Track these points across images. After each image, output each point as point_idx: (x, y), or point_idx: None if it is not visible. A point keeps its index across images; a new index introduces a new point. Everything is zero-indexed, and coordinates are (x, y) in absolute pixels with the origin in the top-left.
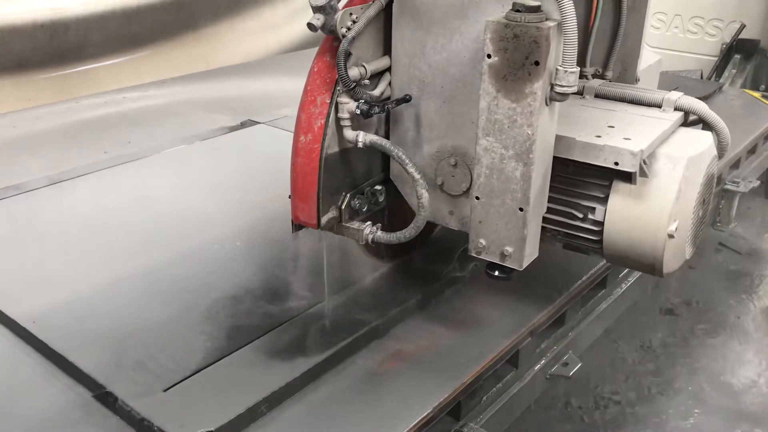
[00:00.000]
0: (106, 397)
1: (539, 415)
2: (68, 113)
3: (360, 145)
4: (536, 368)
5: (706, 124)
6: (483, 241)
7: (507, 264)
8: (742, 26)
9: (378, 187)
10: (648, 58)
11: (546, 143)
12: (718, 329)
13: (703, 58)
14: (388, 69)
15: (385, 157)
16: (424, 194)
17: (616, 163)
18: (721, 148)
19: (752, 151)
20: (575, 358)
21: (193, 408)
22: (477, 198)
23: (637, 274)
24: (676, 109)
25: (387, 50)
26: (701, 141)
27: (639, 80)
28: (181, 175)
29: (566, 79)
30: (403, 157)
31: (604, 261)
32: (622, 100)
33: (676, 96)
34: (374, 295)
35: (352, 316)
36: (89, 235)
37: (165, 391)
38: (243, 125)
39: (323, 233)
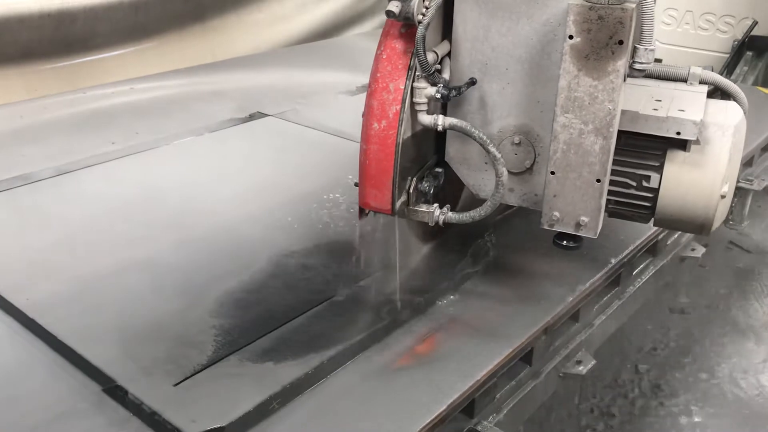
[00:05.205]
0: (115, 391)
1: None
2: (75, 104)
3: (439, 128)
4: (550, 366)
5: (724, 95)
6: (557, 214)
7: (582, 233)
8: (754, 23)
9: (439, 170)
10: None
11: (619, 117)
12: (729, 328)
13: (714, 54)
14: (448, 54)
15: (439, 140)
16: (504, 172)
17: (678, 133)
18: None
19: (766, 148)
20: (589, 356)
21: (203, 403)
22: (552, 173)
23: (650, 273)
24: (701, 82)
25: (445, 35)
26: (736, 110)
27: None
28: (190, 167)
29: (646, 56)
30: (485, 137)
31: (616, 260)
32: (649, 76)
33: (699, 70)
34: (388, 292)
35: (365, 312)
36: (96, 227)
37: (175, 385)
38: (251, 117)
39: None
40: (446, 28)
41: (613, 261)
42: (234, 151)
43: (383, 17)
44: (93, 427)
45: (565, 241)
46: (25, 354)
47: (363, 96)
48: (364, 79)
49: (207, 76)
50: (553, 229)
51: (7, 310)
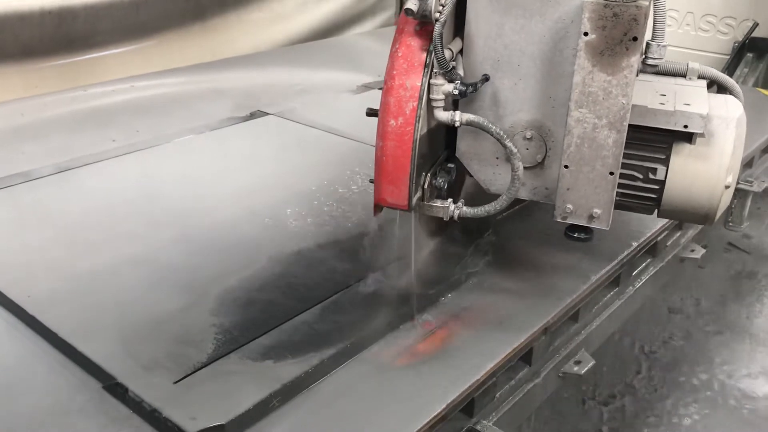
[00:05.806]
0: (116, 388)
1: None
2: (76, 101)
3: (456, 124)
4: (550, 366)
5: (721, 88)
6: (570, 207)
7: (594, 225)
8: (755, 25)
9: (450, 165)
10: None
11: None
12: (728, 329)
13: (714, 56)
14: (460, 51)
15: (449, 135)
16: (521, 167)
17: (686, 126)
18: None
19: (766, 150)
20: (588, 356)
21: (203, 401)
22: (566, 167)
23: (649, 273)
24: (699, 77)
25: (456, 32)
26: (736, 103)
27: None
28: (190, 165)
29: (659, 52)
30: (501, 133)
31: (616, 260)
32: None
33: (697, 65)
34: (389, 290)
35: (365, 310)
36: (97, 224)
37: (175, 383)
38: (252, 116)
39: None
40: (458, 26)
41: (612, 261)
42: (234, 150)
43: (384, 17)
44: (93, 425)
45: (576, 234)
46: (25, 351)
47: (363, 95)
48: (365, 78)
49: (207, 74)
50: (566, 222)
51: (7, 307)
